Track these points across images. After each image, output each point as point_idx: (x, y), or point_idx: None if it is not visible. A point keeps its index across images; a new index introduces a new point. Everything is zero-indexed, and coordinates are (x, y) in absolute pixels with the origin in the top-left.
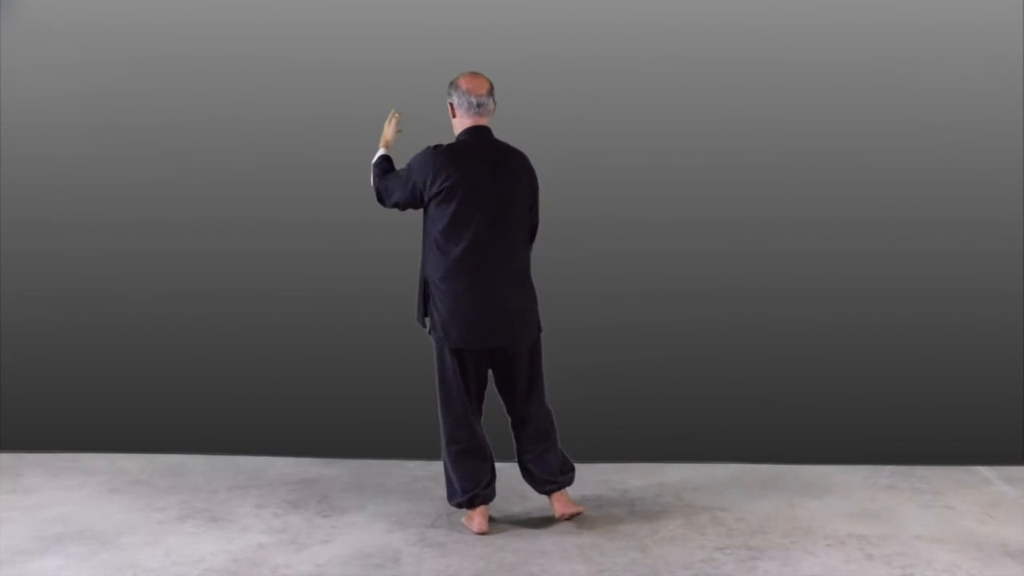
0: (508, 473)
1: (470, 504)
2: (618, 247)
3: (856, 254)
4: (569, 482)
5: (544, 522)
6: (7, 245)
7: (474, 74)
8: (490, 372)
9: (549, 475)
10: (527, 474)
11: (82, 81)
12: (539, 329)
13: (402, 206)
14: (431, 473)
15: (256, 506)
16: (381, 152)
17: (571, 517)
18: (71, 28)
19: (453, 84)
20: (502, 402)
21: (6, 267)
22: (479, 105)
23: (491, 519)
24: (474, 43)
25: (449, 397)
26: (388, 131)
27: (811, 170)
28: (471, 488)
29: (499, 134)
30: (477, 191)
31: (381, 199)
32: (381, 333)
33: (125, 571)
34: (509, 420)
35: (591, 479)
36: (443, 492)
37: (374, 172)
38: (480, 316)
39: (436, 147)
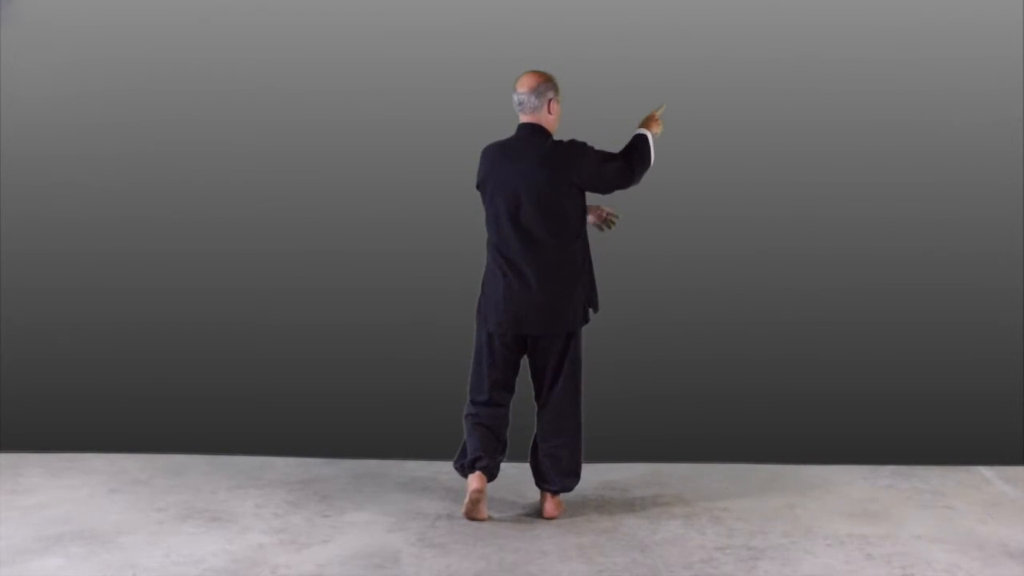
0: (511, 474)
1: (471, 466)
2: (618, 247)
3: (856, 254)
4: (569, 488)
5: (544, 522)
6: (7, 245)
7: (526, 72)
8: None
9: (557, 474)
10: (535, 464)
11: (82, 81)
12: (583, 320)
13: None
14: (431, 473)
15: (256, 506)
16: None
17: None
18: (71, 28)
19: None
20: (533, 390)
21: (6, 267)
22: (519, 103)
23: (491, 518)
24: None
25: (479, 375)
26: None
27: (812, 170)
28: (477, 450)
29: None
30: (503, 186)
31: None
32: (381, 333)
33: (125, 571)
34: (536, 409)
35: (591, 479)
36: (443, 492)
37: None
38: (510, 306)
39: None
